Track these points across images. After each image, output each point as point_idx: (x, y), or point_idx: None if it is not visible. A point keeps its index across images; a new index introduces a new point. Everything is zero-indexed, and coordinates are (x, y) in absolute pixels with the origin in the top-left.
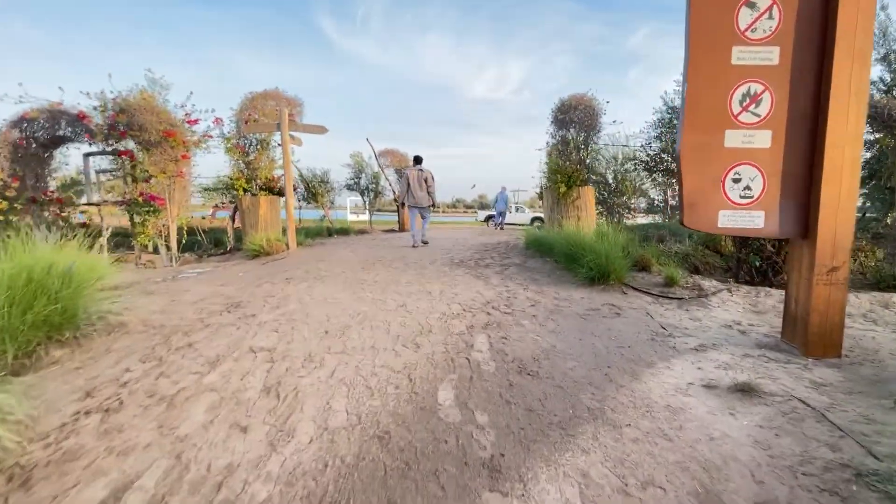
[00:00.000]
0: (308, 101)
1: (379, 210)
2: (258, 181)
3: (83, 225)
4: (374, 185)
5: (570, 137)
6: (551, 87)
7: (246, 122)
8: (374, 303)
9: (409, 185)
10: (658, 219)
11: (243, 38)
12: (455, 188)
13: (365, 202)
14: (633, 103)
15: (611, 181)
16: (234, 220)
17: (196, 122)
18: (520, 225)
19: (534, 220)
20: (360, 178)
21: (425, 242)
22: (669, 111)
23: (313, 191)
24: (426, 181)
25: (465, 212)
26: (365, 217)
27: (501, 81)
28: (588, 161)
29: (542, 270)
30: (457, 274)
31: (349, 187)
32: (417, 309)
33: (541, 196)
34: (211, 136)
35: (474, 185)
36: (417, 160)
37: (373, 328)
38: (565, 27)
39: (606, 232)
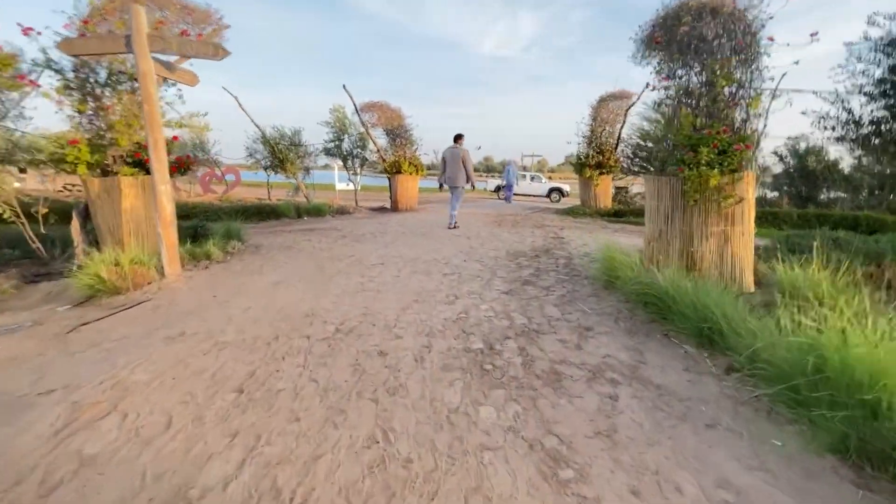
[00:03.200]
0: (307, 53)
1: (382, 172)
2: (118, 150)
3: None
4: (359, 149)
5: (714, 71)
6: (564, 44)
7: (83, 36)
8: None
9: (444, 163)
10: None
11: None
12: None
13: (349, 171)
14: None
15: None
16: (85, 219)
17: None
18: (535, 196)
19: (551, 191)
20: (341, 139)
21: (456, 226)
22: None
23: (280, 156)
24: (463, 160)
25: None
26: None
27: (512, 37)
28: (751, 120)
29: (732, 425)
30: (490, 455)
31: (328, 151)
32: None
33: (578, 169)
34: None
35: (479, 147)
36: (456, 139)
37: None
38: None
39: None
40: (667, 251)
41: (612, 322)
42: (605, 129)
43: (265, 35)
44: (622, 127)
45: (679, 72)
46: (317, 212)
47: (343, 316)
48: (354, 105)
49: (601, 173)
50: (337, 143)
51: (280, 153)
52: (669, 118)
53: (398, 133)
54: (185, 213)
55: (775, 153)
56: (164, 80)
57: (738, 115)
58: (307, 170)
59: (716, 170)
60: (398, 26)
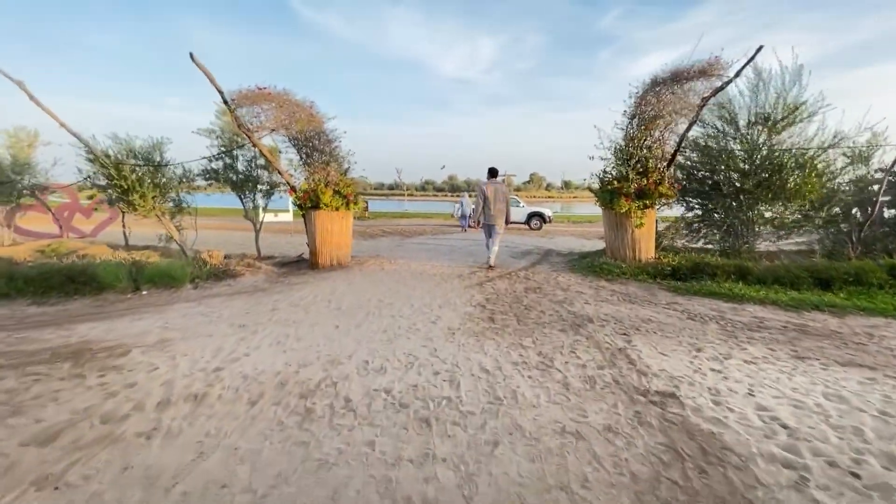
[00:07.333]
0: (268, 76)
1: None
2: None
3: None
4: (263, 171)
5: None
6: (522, 67)
7: None
8: None
9: (485, 200)
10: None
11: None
12: (425, 169)
13: (245, 205)
14: (604, 87)
15: (743, 166)
16: None
17: None
18: (513, 223)
19: (531, 217)
20: (234, 157)
21: (492, 266)
22: None
23: (126, 185)
24: (506, 197)
25: (435, 195)
26: (287, 217)
27: (472, 60)
28: None
29: None
30: None
31: (209, 174)
32: None
33: (606, 199)
34: None
35: (444, 166)
36: (493, 173)
37: None
38: (537, 2)
39: None
40: None
41: None
42: (653, 135)
43: (225, 55)
44: (690, 126)
45: None
46: (168, 279)
47: None
48: (220, 92)
49: (643, 206)
50: (227, 160)
51: (125, 180)
52: None
53: (314, 145)
54: None
55: None
56: None
57: None
58: (178, 205)
59: None
60: (360, 48)
